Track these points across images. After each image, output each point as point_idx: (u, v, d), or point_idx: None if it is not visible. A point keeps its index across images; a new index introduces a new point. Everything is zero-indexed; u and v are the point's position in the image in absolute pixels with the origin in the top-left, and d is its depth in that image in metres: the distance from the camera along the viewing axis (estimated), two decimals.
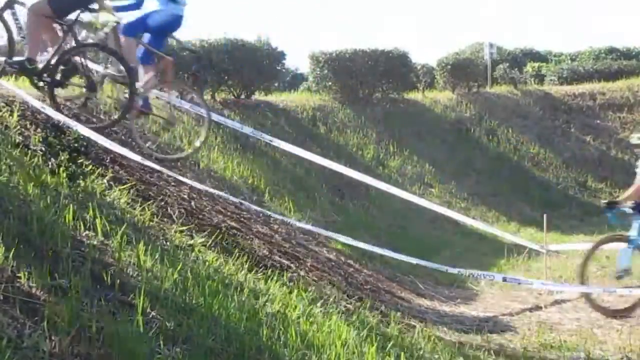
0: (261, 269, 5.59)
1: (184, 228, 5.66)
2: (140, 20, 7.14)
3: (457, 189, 16.01)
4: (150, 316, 3.35)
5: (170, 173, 6.59)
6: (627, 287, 7.43)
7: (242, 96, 15.65)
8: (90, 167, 5.50)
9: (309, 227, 6.66)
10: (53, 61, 6.48)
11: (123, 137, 8.29)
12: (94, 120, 7.73)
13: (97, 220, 4.23)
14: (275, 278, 5.45)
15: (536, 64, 25.30)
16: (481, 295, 8.74)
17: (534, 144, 18.85)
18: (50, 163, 4.86)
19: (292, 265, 6.60)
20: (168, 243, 4.95)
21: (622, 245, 7.56)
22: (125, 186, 5.79)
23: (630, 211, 7.28)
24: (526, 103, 20.43)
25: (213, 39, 15.14)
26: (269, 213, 6.28)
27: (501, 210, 15.51)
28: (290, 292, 5.21)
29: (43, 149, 5.04)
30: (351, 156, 15.35)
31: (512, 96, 20.72)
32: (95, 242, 4.02)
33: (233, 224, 7.00)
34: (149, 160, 6.60)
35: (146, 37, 7.26)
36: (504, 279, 7.45)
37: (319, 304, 5.27)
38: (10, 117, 5.88)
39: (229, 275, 4.85)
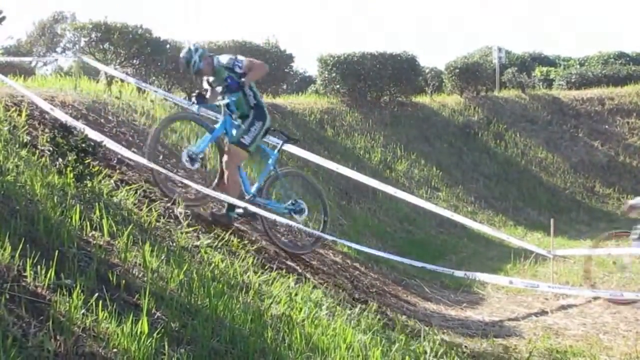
0: (267, 271, 5.59)
1: (190, 229, 5.68)
2: None
3: (464, 193, 15.97)
4: (156, 317, 3.36)
5: (176, 176, 6.60)
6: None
7: None
8: (98, 167, 5.53)
9: (313, 231, 6.64)
10: None
11: (130, 139, 8.33)
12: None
13: (104, 221, 4.25)
14: (280, 280, 5.45)
15: (545, 69, 25.23)
16: (487, 300, 8.71)
17: (542, 148, 18.79)
18: (57, 163, 4.89)
19: (297, 267, 6.60)
20: (174, 244, 4.96)
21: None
22: (132, 187, 5.81)
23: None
24: (534, 107, 20.38)
25: (222, 41, 15.19)
26: (274, 217, 6.27)
27: (508, 215, 15.46)
28: (296, 295, 5.21)
29: (51, 149, 5.06)
30: (358, 159, 15.34)
31: (520, 100, 20.68)
32: (101, 243, 4.04)
33: (239, 225, 7.01)
34: (156, 163, 6.61)
35: None
36: (510, 282, 7.43)
37: (324, 307, 5.26)
38: (19, 117, 5.91)
39: (234, 277, 4.86)
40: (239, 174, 6.82)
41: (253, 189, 6.89)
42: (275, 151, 7.28)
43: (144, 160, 6.43)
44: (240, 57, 6.82)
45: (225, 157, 6.75)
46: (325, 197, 7.66)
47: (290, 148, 8.43)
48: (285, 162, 11.54)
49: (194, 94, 7.03)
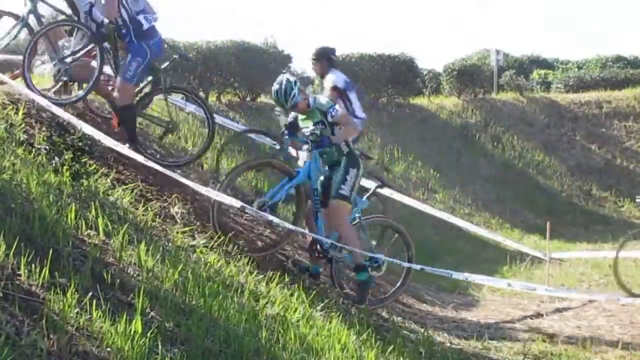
0: (262, 272, 5.59)
1: (186, 229, 5.67)
2: None
3: (461, 195, 15.97)
4: (150, 316, 3.36)
5: (173, 175, 6.59)
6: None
7: (248, 98, 15.66)
8: (94, 166, 5.52)
9: (308, 233, 6.63)
10: None
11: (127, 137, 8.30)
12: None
13: (99, 220, 4.24)
14: (276, 281, 5.45)
15: (543, 72, 25.21)
16: (482, 302, 8.72)
17: (539, 151, 18.79)
18: (54, 162, 4.88)
19: (293, 268, 6.60)
20: (170, 244, 4.96)
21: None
22: (128, 186, 5.80)
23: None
24: (532, 110, 20.39)
25: (220, 41, 15.16)
26: (271, 218, 6.26)
27: (505, 217, 15.46)
28: (291, 295, 5.22)
29: (47, 147, 5.06)
30: None
31: (518, 103, 20.68)
32: (96, 242, 4.04)
33: (236, 225, 7.01)
34: (153, 160, 6.60)
35: None
36: (509, 285, 7.42)
37: (319, 307, 5.27)
38: (16, 115, 5.90)
39: (229, 277, 4.86)
40: (353, 230, 6.44)
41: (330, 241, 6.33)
42: (364, 198, 6.92)
43: (140, 158, 6.42)
44: (337, 107, 6.44)
45: (332, 218, 6.34)
46: (409, 237, 7.13)
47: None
48: None
49: (285, 123, 6.59)
